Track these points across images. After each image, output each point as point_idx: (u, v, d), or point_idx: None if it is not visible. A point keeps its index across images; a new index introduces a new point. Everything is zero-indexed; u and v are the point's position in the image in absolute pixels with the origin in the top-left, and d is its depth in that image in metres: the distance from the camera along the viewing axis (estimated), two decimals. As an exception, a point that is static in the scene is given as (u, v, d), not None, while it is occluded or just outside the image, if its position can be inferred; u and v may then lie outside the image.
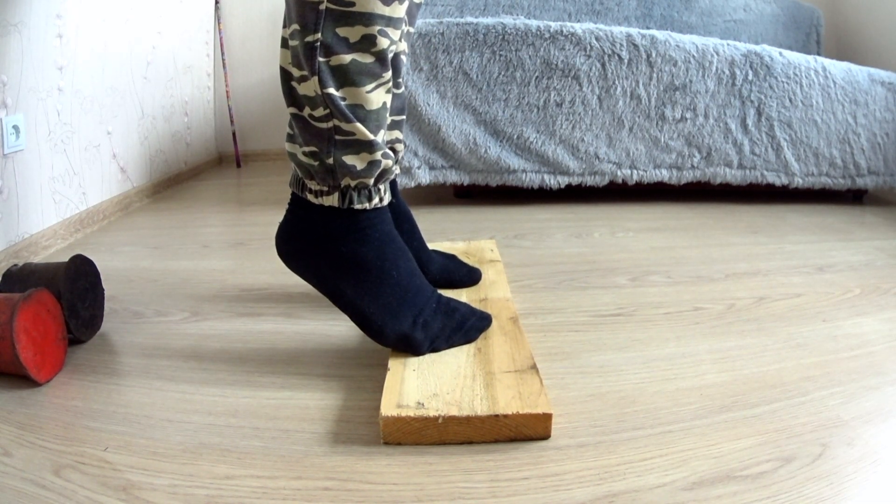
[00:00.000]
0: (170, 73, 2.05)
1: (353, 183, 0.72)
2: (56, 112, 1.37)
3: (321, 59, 0.67)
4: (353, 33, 0.66)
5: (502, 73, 1.60)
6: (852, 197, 1.94)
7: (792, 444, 0.64)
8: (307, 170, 0.73)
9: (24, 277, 0.85)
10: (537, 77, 1.60)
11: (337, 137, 0.70)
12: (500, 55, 1.59)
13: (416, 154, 1.63)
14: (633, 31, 1.62)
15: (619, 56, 1.60)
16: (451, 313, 0.79)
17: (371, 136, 0.71)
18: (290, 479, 0.59)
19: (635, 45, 1.61)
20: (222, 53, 2.42)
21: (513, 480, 0.59)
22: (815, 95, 1.71)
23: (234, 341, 0.89)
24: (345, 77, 0.68)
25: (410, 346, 0.75)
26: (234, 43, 2.47)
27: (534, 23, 1.60)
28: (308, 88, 0.69)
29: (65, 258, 0.89)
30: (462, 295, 0.98)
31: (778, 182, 1.77)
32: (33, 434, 0.65)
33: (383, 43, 0.68)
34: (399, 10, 0.69)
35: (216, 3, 2.41)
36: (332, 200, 0.73)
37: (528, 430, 0.64)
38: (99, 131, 1.58)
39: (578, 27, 1.59)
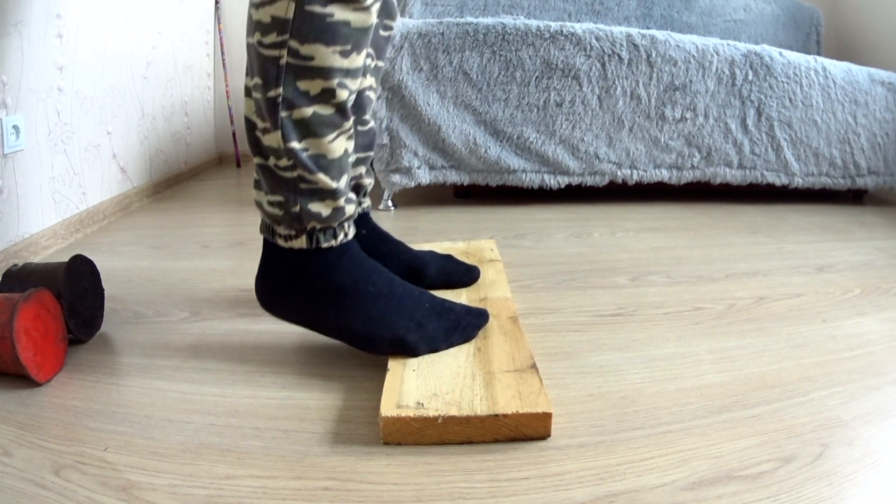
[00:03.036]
0: (170, 73, 2.05)
1: (318, 226, 0.75)
2: (56, 112, 1.37)
3: (283, 114, 0.69)
4: (313, 87, 0.69)
5: (502, 73, 1.60)
6: (852, 197, 1.94)
7: (792, 444, 0.64)
8: (274, 217, 0.76)
9: (24, 277, 0.85)
10: (537, 77, 1.60)
11: (302, 186, 0.73)
12: (500, 55, 1.59)
13: (416, 154, 1.63)
14: (633, 31, 1.62)
15: (619, 56, 1.60)
16: (445, 313, 0.80)
17: (334, 185, 0.74)
18: (290, 479, 0.59)
19: (635, 45, 1.61)
20: (222, 53, 2.42)
21: (513, 480, 0.59)
22: (815, 95, 1.71)
23: (234, 341, 0.89)
24: (307, 129, 0.71)
25: (405, 349, 0.76)
26: (234, 43, 2.47)
27: (534, 23, 1.60)
28: (272, 140, 0.71)
29: (65, 258, 0.89)
30: (462, 295, 0.98)
31: (778, 182, 1.77)
32: (33, 434, 0.65)
33: (342, 95, 0.71)
34: (357, 61, 0.71)
35: (216, 3, 2.41)
36: (301, 243, 0.76)
37: (528, 429, 0.64)
38: (99, 131, 1.58)
39: (578, 27, 1.59)
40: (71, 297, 0.84)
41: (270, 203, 0.75)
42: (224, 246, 1.36)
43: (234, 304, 1.02)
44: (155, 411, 0.70)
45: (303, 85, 0.69)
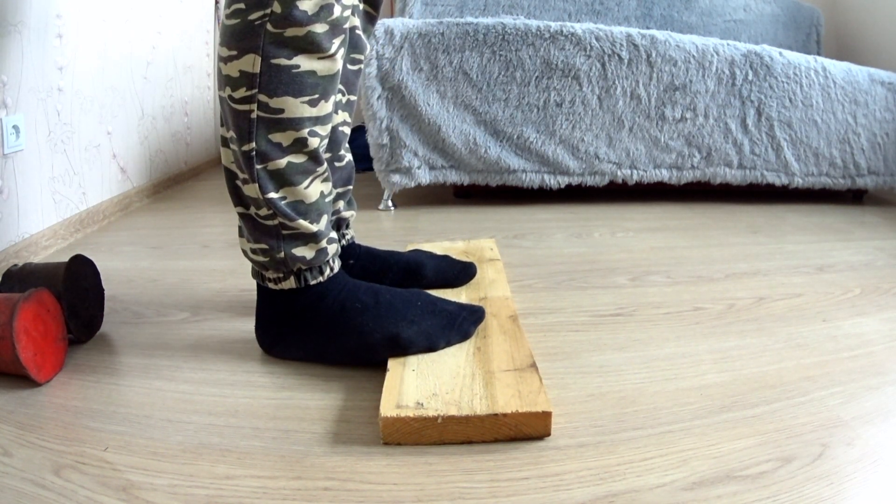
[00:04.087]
0: (170, 73, 2.05)
1: (304, 266, 0.77)
2: (56, 112, 1.37)
3: (258, 167, 0.71)
4: (285, 138, 0.70)
5: (502, 73, 1.60)
6: (852, 197, 1.94)
7: (792, 444, 0.64)
8: (261, 264, 0.78)
9: (24, 277, 0.85)
10: (537, 77, 1.60)
11: (284, 233, 0.75)
12: (500, 55, 1.59)
13: (416, 154, 1.63)
14: (633, 31, 1.62)
15: (619, 56, 1.60)
16: (439, 311, 0.80)
17: (314, 228, 0.76)
18: (290, 479, 0.59)
19: (635, 45, 1.61)
20: (222, 53, 2.42)
21: (513, 480, 0.59)
22: (815, 95, 1.71)
23: (234, 341, 0.89)
24: (282, 179, 0.72)
25: (401, 346, 0.76)
26: (234, 43, 2.47)
27: (534, 23, 1.60)
28: (251, 191, 0.73)
29: (65, 258, 0.89)
30: (462, 294, 0.98)
31: (778, 182, 1.77)
32: (33, 434, 0.65)
33: (314, 143, 0.73)
34: (326, 108, 0.73)
35: (216, 3, 2.41)
36: (290, 283, 0.78)
37: (528, 428, 0.64)
38: (99, 131, 1.58)
39: (578, 27, 1.59)
40: (71, 297, 0.84)
41: (254, 251, 0.78)
42: (224, 246, 1.36)
43: (234, 304, 1.02)
44: (155, 411, 0.70)
45: (275, 137, 0.70)
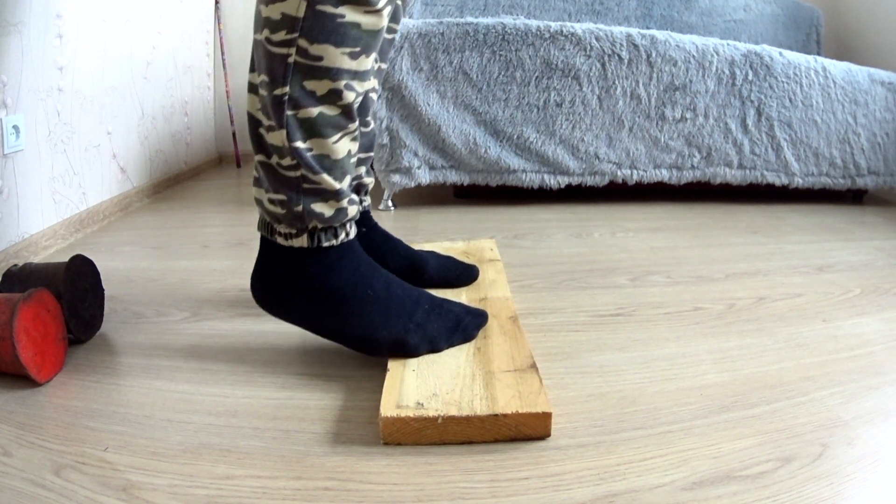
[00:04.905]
0: (170, 73, 2.05)
1: (320, 225, 0.75)
2: (56, 112, 1.37)
3: (289, 113, 0.69)
4: (320, 87, 0.68)
5: (502, 73, 1.60)
6: (852, 197, 1.94)
7: (792, 444, 0.64)
8: (275, 216, 0.75)
9: (24, 277, 0.85)
10: (537, 77, 1.60)
11: (305, 186, 0.72)
12: (500, 55, 1.59)
13: (416, 154, 1.63)
14: (633, 31, 1.62)
15: (619, 56, 1.60)
16: (444, 314, 0.80)
17: (337, 186, 0.73)
18: (290, 479, 0.59)
19: (635, 45, 1.61)
20: (222, 53, 2.42)
21: (513, 480, 0.59)
22: (815, 95, 1.71)
23: (234, 341, 0.89)
24: (312, 129, 0.70)
25: (406, 350, 0.76)
26: (234, 43, 2.47)
27: (534, 23, 1.60)
28: (276, 138, 0.71)
29: (65, 258, 0.89)
30: (462, 294, 0.98)
31: (778, 182, 1.77)
32: (33, 434, 0.65)
33: (349, 97, 0.70)
34: (366, 64, 0.71)
35: (216, 3, 2.41)
36: (302, 242, 0.75)
37: (528, 429, 0.64)
38: (99, 131, 1.58)
39: (578, 27, 1.59)
40: (71, 297, 0.84)
41: (272, 201, 0.75)
42: (224, 246, 1.36)
43: (234, 304, 1.02)
44: (155, 411, 0.70)
45: (309, 85, 0.68)
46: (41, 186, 1.31)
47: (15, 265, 0.88)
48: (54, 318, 0.79)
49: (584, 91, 1.62)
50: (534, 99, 1.61)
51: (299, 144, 0.70)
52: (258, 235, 1.42)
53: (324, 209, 0.73)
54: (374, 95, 0.93)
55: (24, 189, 1.25)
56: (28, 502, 0.55)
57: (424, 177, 1.65)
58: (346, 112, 0.71)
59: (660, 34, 1.63)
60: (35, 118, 1.29)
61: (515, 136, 1.64)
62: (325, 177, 0.72)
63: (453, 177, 1.67)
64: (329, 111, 0.70)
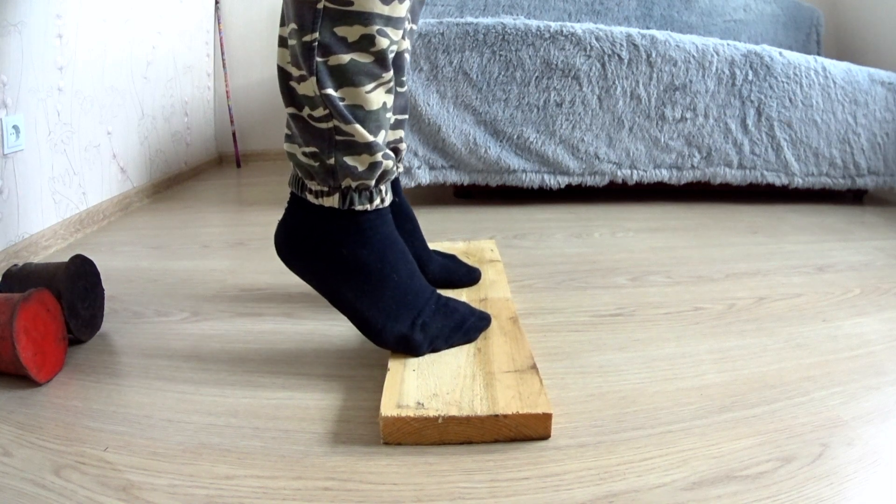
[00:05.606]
0: (170, 73, 2.05)
1: (353, 184, 0.72)
2: (56, 112, 1.37)
3: (319, 59, 0.66)
4: (351, 33, 0.66)
5: (502, 73, 1.60)
6: (852, 197, 1.94)
7: (792, 444, 0.64)
8: (307, 170, 0.73)
9: (24, 277, 0.85)
10: (537, 77, 1.60)
11: (337, 138, 0.69)
12: (500, 55, 1.59)
13: (416, 154, 1.63)
14: (633, 31, 1.62)
15: (619, 56, 1.60)
16: (450, 314, 0.79)
17: (371, 138, 0.70)
18: (290, 479, 0.59)
19: (635, 45, 1.61)
20: (222, 53, 2.42)
21: (513, 480, 0.59)
22: (815, 95, 1.71)
23: (234, 341, 0.89)
24: (343, 77, 0.67)
25: (409, 348, 0.75)
26: (234, 43, 2.47)
27: (534, 23, 1.60)
28: (307, 88, 0.68)
29: (65, 258, 0.89)
30: (462, 295, 0.98)
31: (778, 182, 1.77)
32: (33, 434, 0.65)
33: (382, 43, 0.67)
34: (399, 10, 0.68)
35: (216, 3, 2.41)
36: (333, 201, 0.72)
37: (528, 429, 0.64)
38: (99, 131, 1.58)
39: (578, 27, 1.59)
40: (71, 297, 0.84)
41: (305, 154, 0.72)
42: (224, 246, 1.36)
43: (234, 304, 1.02)
44: (155, 411, 0.70)
45: (340, 30, 0.65)
46: (41, 186, 1.31)
47: (15, 265, 0.88)
48: (54, 318, 0.79)
49: (584, 91, 1.62)
50: (534, 99, 1.61)
51: (330, 91, 0.67)
52: (258, 235, 1.43)
53: (357, 162, 0.70)
54: (408, 56, 0.88)
55: (24, 189, 1.25)
56: (28, 502, 0.55)
57: (424, 177, 1.65)
58: (380, 60, 0.68)
59: (660, 34, 1.62)
60: (35, 118, 1.29)
61: (515, 136, 1.64)
62: (358, 128, 0.69)
63: (453, 177, 1.67)
64: (361, 58, 0.67)
